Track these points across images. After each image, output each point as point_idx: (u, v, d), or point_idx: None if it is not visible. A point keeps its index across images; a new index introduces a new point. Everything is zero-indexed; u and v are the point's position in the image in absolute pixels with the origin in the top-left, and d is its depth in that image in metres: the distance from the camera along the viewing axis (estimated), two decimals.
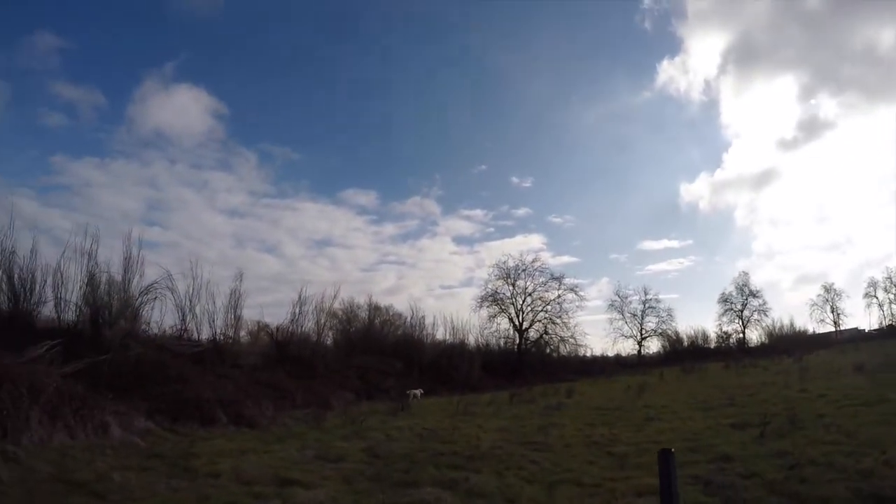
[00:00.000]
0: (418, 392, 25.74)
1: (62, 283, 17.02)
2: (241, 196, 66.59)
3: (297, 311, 26.42)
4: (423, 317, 38.97)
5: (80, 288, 17.21)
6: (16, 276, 16.21)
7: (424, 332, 38.58)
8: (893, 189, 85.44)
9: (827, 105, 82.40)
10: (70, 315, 17.10)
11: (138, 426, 12.26)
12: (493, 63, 76.91)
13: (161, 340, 19.15)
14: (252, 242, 64.59)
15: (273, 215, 66.76)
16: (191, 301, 21.18)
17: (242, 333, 24.74)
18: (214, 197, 64.15)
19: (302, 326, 26.63)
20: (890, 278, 58.80)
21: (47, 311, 17.13)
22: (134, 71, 66.91)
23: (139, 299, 18.71)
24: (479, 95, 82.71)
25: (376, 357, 30.15)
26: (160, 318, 20.17)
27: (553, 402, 19.29)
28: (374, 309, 36.95)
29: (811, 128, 77.93)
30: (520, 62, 78.02)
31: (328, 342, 31.07)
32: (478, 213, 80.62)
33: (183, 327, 21.01)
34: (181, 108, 61.04)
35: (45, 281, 16.82)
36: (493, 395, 23.75)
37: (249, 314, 26.49)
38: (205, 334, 21.81)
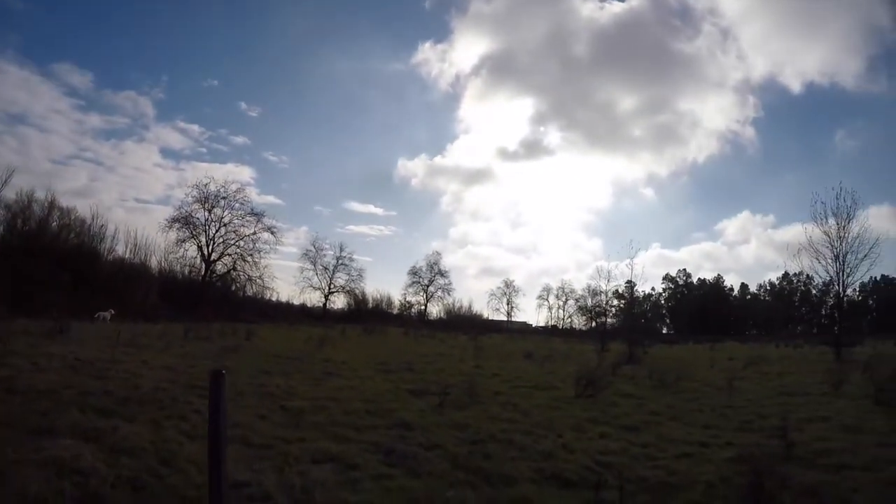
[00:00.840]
0: (107, 314, 22.95)
1: None
2: None
3: None
4: (105, 227, 33.97)
5: None
6: None
7: (104, 246, 33.91)
8: (582, 220, 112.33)
9: (553, 135, 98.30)
10: None
11: None
12: None
13: None
14: None
15: None
16: None
17: None
18: None
19: None
20: (563, 288, 74.05)
21: None
22: None
23: None
24: (236, 10, 74.08)
25: (42, 265, 25.63)
26: None
27: (230, 343, 17.70)
28: (52, 207, 30.84)
29: (532, 148, 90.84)
30: None
31: None
32: (195, 128, 72.65)
33: None
34: None
35: None
36: (167, 327, 21.31)
37: None
38: None
